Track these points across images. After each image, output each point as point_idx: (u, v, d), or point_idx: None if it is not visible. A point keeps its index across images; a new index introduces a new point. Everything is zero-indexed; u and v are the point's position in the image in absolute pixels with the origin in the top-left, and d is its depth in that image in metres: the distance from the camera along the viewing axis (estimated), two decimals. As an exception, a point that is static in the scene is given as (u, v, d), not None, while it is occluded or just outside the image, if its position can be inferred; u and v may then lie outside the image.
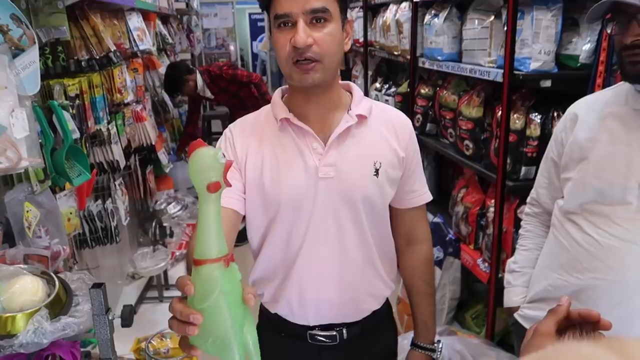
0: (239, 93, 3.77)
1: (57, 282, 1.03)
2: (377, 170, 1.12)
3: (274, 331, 1.25)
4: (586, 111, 1.23)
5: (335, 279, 1.16)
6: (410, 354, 1.35)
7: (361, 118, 1.12)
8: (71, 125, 1.61)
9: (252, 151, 1.13)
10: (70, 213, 1.64)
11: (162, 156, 3.33)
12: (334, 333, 1.20)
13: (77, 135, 1.63)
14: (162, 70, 3.72)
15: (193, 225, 3.53)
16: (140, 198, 3.06)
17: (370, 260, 1.19)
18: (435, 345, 1.34)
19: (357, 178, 1.11)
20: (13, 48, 1.09)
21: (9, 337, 0.91)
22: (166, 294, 2.85)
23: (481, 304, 2.52)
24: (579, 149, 1.21)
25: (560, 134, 1.29)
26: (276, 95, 1.19)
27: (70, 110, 1.71)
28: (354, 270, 1.17)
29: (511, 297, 1.46)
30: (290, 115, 1.10)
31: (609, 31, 1.09)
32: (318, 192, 1.10)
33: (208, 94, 3.81)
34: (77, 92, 1.82)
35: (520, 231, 1.52)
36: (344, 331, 1.21)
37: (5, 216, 1.30)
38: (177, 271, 3.14)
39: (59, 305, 1.01)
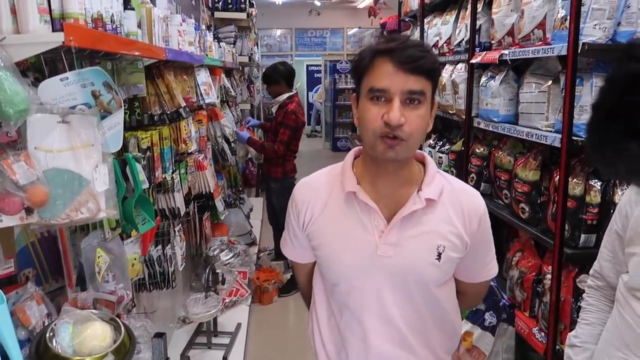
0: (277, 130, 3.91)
1: (122, 329, 1.10)
2: (439, 255, 1.11)
3: None
4: None
5: (390, 355, 1.17)
6: None
7: (429, 202, 1.11)
8: (142, 176, 1.73)
9: (315, 217, 1.17)
10: (135, 259, 1.74)
11: (219, 203, 3.45)
12: None
13: (147, 185, 1.75)
14: (224, 121, 3.94)
15: (244, 273, 3.60)
16: (196, 244, 3.17)
17: (426, 339, 1.19)
18: None
19: (416, 261, 1.11)
20: (102, 110, 1.21)
21: (77, 380, 0.97)
22: (215, 340, 2.88)
23: (537, 374, 2.40)
24: None
25: (625, 207, 1.26)
26: (348, 159, 1.20)
27: (142, 162, 1.84)
28: (410, 348, 1.18)
29: None
30: (357, 189, 1.12)
31: None
32: (375, 269, 1.11)
33: (273, 109, 4.03)
34: (148, 144, 1.96)
35: (582, 304, 1.46)
36: None
37: (79, 260, 1.40)
38: (227, 317, 3.19)
39: (123, 352, 1.07)
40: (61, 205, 1.13)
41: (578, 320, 1.46)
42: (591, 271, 1.45)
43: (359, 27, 11.32)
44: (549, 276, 2.13)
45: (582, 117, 1.88)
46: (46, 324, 1.16)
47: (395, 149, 1.04)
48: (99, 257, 1.41)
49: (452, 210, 1.13)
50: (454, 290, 1.25)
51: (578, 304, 1.98)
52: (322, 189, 1.19)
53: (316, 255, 1.21)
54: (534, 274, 2.28)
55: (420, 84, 1.02)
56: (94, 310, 1.18)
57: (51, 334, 1.05)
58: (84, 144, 1.18)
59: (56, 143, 1.15)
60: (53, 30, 1.15)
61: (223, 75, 4.14)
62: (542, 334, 2.13)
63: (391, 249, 1.10)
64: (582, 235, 1.94)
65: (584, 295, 1.47)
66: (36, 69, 1.26)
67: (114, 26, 1.44)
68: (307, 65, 13.27)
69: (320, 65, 11.99)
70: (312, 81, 13.24)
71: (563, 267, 2.00)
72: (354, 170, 1.17)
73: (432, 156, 3.48)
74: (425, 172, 1.15)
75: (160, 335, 1.04)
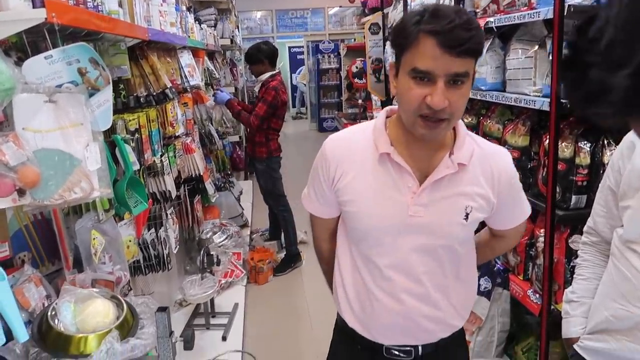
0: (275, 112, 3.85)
1: (125, 306, 1.09)
2: (467, 215, 1.14)
3: (350, 343, 1.31)
4: None
5: (414, 309, 1.21)
6: None
7: (461, 166, 1.13)
8: (132, 157, 1.71)
9: (346, 173, 1.17)
10: (130, 241, 1.73)
11: (209, 186, 3.44)
12: (410, 349, 1.25)
13: (137, 167, 1.73)
14: (209, 104, 3.90)
15: (239, 254, 3.60)
16: (188, 227, 3.16)
17: (448, 296, 1.23)
18: None
19: (445, 221, 1.14)
20: (90, 88, 1.19)
21: (83, 356, 0.96)
22: (213, 321, 2.89)
23: (532, 336, 2.45)
24: (638, 176, 1.20)
25: (617, 162, 1.28)
26: (381, 119, 1.19)
27: (131, 143, 1.81)
28: (433, 303, 1.21)
29: (570, 328, 1.43)
30: (391, 150, 1.13)
31: None
32: (405, 228, 1.14)
33: (256, 89, 3.99)
34: (136, 126, 1.93)
35: (578, 260, 1.49)
36: (420, 348, 1.26)
37: (74, 243, 1.39)
38: (223, 299, 3.20)
39: (126, 327, 1.07)
40: (54, 185, 1.11)
41: (574, 276, 1.49)
42: (585, 228, 1.48)
43: (340, 6, 11.20)
44: (541, 239, 2.16)
45: (570, 79, 1.89)
46: (46, 305, 1.16)
47: (436, 130, 1.05)
48: (94, 238, 1.40)
49: (481, 173, 1.15)
50: (473, 250, 1.29)
51: (571, 264, 2.02)
52: (355, 147, 1.19)
53: (344, 210, 1.21)
54: (526, 238, 2.31)
55: (466, 65, 1.00)
56: (94, 289, 1.17)
57: (53, 313, 1.04)
58: (73, 123, 1.16)
59: (44, 123, 1.13)
60: (33, 7, 1.12)
61: (206, 58, 4.09)
62: (537, 295, 2.17)
63: (422, 209, 1.12)
64: (573, 197, 1.97)
65: (578, 252, 1.50)
66: (18, 49, 1.22)
67: (95, 3, 1.41)
68: (289, 47, 13.15)
69: (302, 47, 11.88)
70: (295, 63, 13.13)
71: (555, 229, 2.03)
72: (387, 132, 1.17)
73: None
74: (456, 136, 1.16)
75: (163, 309, 1.04)
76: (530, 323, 2.53)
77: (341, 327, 1.32)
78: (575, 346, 1.39)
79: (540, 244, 2.17)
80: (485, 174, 1.16)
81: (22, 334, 0.84)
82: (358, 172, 1.16)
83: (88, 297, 1.06)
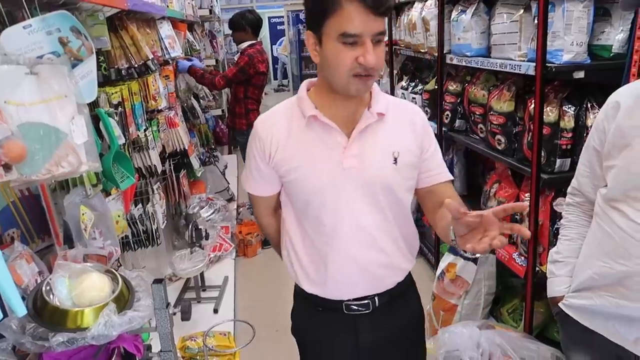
0: (245, 79, 3.78)
1: (120, 279, 1.09)
2: (395, 159, 1.24)
3: (311, 307, 1.38)
4: (629, 99, 1.24)
5: (365, 258, 1.29)
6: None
7: (380, 116, 1.24)
8: (117, 131, 1.68)
9: (281, 146, 1.25)
10: (118, 216, 1.71)
11: (194, 160, 3.41)
12: (367, 301, 1.32)
13: (122, 140, 1.70)
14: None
15: (227, 228, 3.60)
16: (175, 202, 3.14)
17: (393, 239, 1.31)
18: None
19: (378, 167, 1.23)
20: (72, 58, 1.15)
21: (81, 330, 0.96)
22: (203, 294, 2.91)
23: (517, 298, 2.52)
24: (622, 136, 1.22)
25: (602, 122, 1.30)
26: (302, 90, 1.30)
27: (115, 117, 1.78)
28: (381, 249, 1.29)
29: (554, 287, 1.47)
30: (317, 112, 1.22)
31: None
32: (343, 180, 1.22)
33: (236, 57, 3.92)
34: (119, 99, 1.89)
35: (562, 221, 1.52)
36: (376, 299, 1.33)
37: (63, 219, 1.37)
38: (213, 272, 3.21)
39: (122, 301, 1.06)
40: (40, 160, 1.09)
41: (559, 237, 1.52)
42: (569, 189, 1.51)
43: (320, -26, 10.96)
44: (526, 203, 2.20)
45: (555, 43, 1.90)
46: (39, 281, 1.15)
47: (367, 85, 1.16)
48: (83, 214, 1.38)
49: (399, 120, 1.28)
50: (412, 194, 1.36)
51: (555, 226, 2.07)
52: (283, 119, 1.27)
53: (285, 181, 1.28)
54: (512, 202, 2.35)
55: (384, 24, 1.13)
56: (88, 263, 1.16)
57: (47, 288, 1.03)
58: (57, 96, 1.13)
59: (27, 96, 1.09)
60: (9, -26, 1.07)
61: (186, 29, 4.00)
62: (522, 258, 2.22)
63: (355, 160, 1.21)
64: (558, 160, 2.00)
65: (563, 213, 1.53)
66: (-6, 19, 1.18)
67: (71, -30, 1.36)
68: (269, 17, 12.87)
69: (282, 17, 11.66)
70: (275, 34, 12.89)
71: (540, 193, 2.06)
72: (309, 99, 1.26)
73: (405, 98, 3.48)
74: (372, 93, 1.27)
75: (159, 280, 1.04)
76: (515, 285, 2.59)
77: (301, 295, 1.38)
78: (560, 304, 1.43)
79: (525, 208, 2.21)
80: (403, 120, 1.28)
81: (20, 308, 0.83)
82: (290, 141, 1.24)
83: (83, 272, 1.05)
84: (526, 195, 2.21)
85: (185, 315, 1.04)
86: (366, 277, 1.30)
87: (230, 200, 4.46)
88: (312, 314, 1.38)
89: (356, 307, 1.32)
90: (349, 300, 1.32)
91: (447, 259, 2.59)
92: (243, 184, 1.42)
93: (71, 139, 1.14)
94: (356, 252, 1.27)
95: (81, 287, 1.01)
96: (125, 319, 1.00)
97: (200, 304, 2.86)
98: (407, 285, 1.41)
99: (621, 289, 1.24)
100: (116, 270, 1.50)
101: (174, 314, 1.11)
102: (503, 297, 2.60)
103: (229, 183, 4.64)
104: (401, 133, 1.26)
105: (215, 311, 2.79)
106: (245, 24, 3.81)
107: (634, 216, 1.20)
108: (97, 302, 1.01)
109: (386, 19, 1.15)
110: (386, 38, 3.78)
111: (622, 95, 1.27)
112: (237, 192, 4.87)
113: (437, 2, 2.74)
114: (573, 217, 1.48)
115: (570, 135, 1.98)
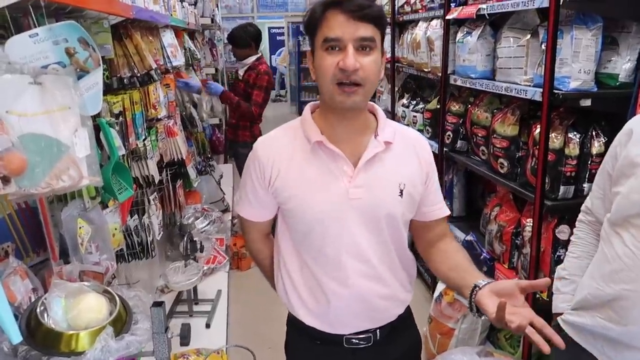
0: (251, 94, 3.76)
1: (118, 301, 1.05)
2: (401, 191, 1.20)
3: (308, 339, 1.32)
4: None
5: (368, 291, 1.24)
6: (482, 294, 1.10)
7: (387, 144, 1.20)
8: (117, 141, 1.64)
9: (282, 171, 1.20)
10: (115, 229, 1.66)
11: (191, 170, 3.36)
12: (369, 335, 1.29)
13: (123, 152, 1.67)
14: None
15: (221, 240, 3.55)
16: (170, 212, 3.09)
17: (393, 271, 1.28)
18: None
19: (384, 199, 1.19)
20: (78, 70, 1.12)
21: (76, 354, 0.92)
22: (196, 308, 2.85)
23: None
24: (630, 164, 1.22)
25: (615, 148, 1.30)
26: (307, 113, 1.25)
27: (115, 127, 1.74)
28: (383, 281, 1.25)
29: (558, 304, 1.47)
30: (323, 138, 1.17)
31: None
32: (347, 211, 1.17)
33: (241, 72, 3.83)
34: (120, 109, 1.86)
35: (572, 238, 1.53)
36: (377, 332, 1.29)
37: (59, 232, 1.32)
38: (206, 285, 3.15)
39: (120, 323, 1.02)
40: (40, 173, 1.05)
41: (567, 252, 1.52)
42: (583, 207, 1.51)
43: (321, -13, 11.02)
44: (528, 228, 2.18)
45: (563, 70, 1.89)
46: (33, 299, 1.10)
47: (352, 97, 1.10)
48: (80, 227, 1.34)
49: (406, 150, 1.24)
50: (406, 234, 1.33)
51: (557, 254, 2.05)
52: (285, 143, 1.22)
53: (286, 209, 1.23)
54: (512, 227, 2.33)
55: (370, 30, 1.09)
56: (85, 282, 1.12)
57: (42, 308, 0.99)
58: (60, 107, 1.09)
59: (29, 106, 1.05)
60: (17, -19, 1.04)
61: (187, 37, 3.97)
62: (522, 284, 2.20)
63: (360, 191, 1.17)
64: (561, 187, 1.99)
65: (574, 229, 1.53)
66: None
67: (79, -22, 1.32)
68: (269, 28, 12.90)
69: (282, 27, 11.69)
70: (275, 44, 12.91)
71: (543, 219, 2.04)
72: (314, 122, 1.22)
73: (406, 116, 3.47)
74: (378, 120, 1.23)
75: (159, 304, 1.00)
76: (513, 310, 2.56)
77: (296, 326, 1.32)
78: (558, 319, 1.43)
79: (527, 233, 2.19)
80: (409, 149, 1.24)
81: (16, 335, 0.79)
82: (293, 166, 1.19)
83: (80, 292, 1.00)
84: (528, 220, 2.19)
85: (185, 340, 1.00)
86: (369, 310, 1.26)
87: (225, 211, 4.41)
88: (309, 347, 1.33)
89: (357, 341, 1.28)
90: (350, 334, 1.27)
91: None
92: (236, 206, 1.37)
93: (73, 152, 1.10)
94: (359, 284, 1.22)
95: (78, 309, 0.97)
96: (122, 343, 0.95)
97: (192, 318, 2.81)
98: (407, 315, 1.37)
99: (610, 311, 1.25)
100: (109, 284, 1.46)
101: (172, 337, 1.06)
102: (500, 322, 2.57)
103: (224, 193, 4.59)
104: (407, 163, 1.23)
105: (208, 326, 2.73)
106: (249, 39, 3.77)
107: (629, 242, 1.21)
108: (94, 325, 0.97)
109: (377, 30, 1.10)
110: (388, 55, 3.78)
111: (636, 123, 1.27)
112: (232, 203, 4.82)
113: (442, 23, 2.74)
114: (582, 234, 1.49)
115: (574, 162, 1.97)
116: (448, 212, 1.35)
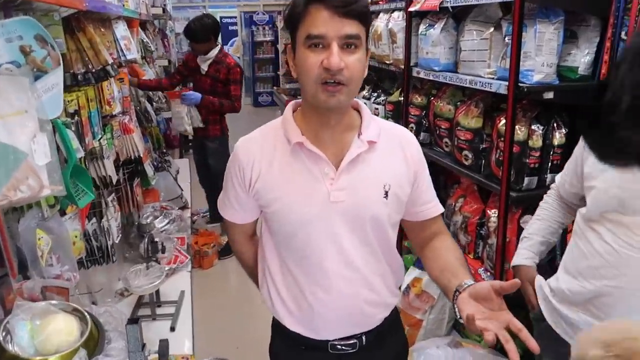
0: (225, 89, 3.76)
1: (89, 319, 0.97)
2: (386, 193, 1.16)
3: (293, 344, 1.29)
4: None
5: (352, 295, 1.20)
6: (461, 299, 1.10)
7: (371, 144, 1.15)
8: (75, 143, 1.54)
9: (263, 174, 1.16)
10: (76, 236, 1.56)
11: (149, 167, 3.23)
12: (354, 341, 1.26)
13: (81, 154, 1.56)
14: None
15: (182, 239, 3.44)
16: (128, 213, 2.96)
17: (381, 275, 1.24)
18: None
19: (367, 201, 1.15)
20: (35, 70, 1.02)
21: (47, 382, 0.85)
22: (159, 311, 2.75)
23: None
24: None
25: (580, 150, 1.32)
26: (288, 112, 1.20)
27: (71, 128, 1.63)
28: (369, 286, 1.22)
29: (515, 258, 1.58)
30: (303, 139, 1.13)
31: None
32: (330, 215, 1.14)
33: (204, 66, 3.73)
34: (76, 107, 1.74)
35: (540, 203, 1.61)
36: (363, 338, 1.26)
37: (16, 245, 1.22)
38: (168, 286, 3.04)
39: (92, 343, 0.95)
40: (-4, 184, 0.96)
41: (533, 217, 1.61)
42: (554, 183, 1.60)
43: (274, -24, 10.86)
44: (493, 219, 2.22)
45: (526, 63, 1.92)
46: (-9, 321, 1.01)
47: (337, 96, 1.05)
48: (39, 238, 1.24)
49: (391, 149, 1.19)
50: (396, 232, 1.29)
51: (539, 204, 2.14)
52: (266, 145, 1.18)
53: (267, 212, 1.20)
54: (477, 217, 2.37)
55: (356, 27, 1.03)
56: (52, 302, 1.03)
57: (5, 333, 0.90)
58: (16, 111, 1.00)
59: (-20, 110, 0.96)
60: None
61: (140, 29, 3.81)
62: (488, 273, 2.24)
63: (343, 194, 1.13)
64: (526, 178, 2.03)
65: (544, 196, 1.62)
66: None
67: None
68: (221, 17, 12.59)
69: (235, 17, 11.45)
70: (227, 34, 12.59)
71: (508, 210, 2.08)
72: (295, 123, 1.17)
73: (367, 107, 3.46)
74: (362, 118, 1.18)
75: (135, 320, 0.94)
76: (478, 298, 2.62)
77: (282, 331, 1.29)
78: (542, 306, 1.46)
79: (492, 224, 2.23)
80: (395, 147, 1.19)
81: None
82: (274, 169, 1.16)
83: (46, 313, 0.93)
84: (492, 211, 2.24)
85: (164, 358, 0.94)
86: (354, 316, 1.23)
87: (183, 208, 4.28)
88: (294, 352, 1.30)
89: (342, 347, 1.26)
90: (335, 339, 1.25)
91: (412, 273, 2.58)
92: (220, 209, 1.33)
93: (32, 160, 1.01)
94: (344, 290, 1.19)
95: (46, 332, 0.89)
96: (97, 366, 0.89)
97: (155, 322, 2.70)
98: (394, 318, 1.35)
99: (592, 308, 1.28)
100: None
101: (149, 355, 1.00)
102: (466, 311, 2.62)
103: (182, 190, 4.45)
104: (393, 163, 1.18)
105: (172, 329, 2.63)
106: (209, 33, 3.67)
107: (607, 237, 1.24)
108: (65, 348, 0.89)
109: (362, 26, 1.05)
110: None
111: None
112: (190, 199, 4.69)
113: (404, 15, 2.73)
114: (551, 200, 1.57)
115: (537, 154, 2.01)
116: (441, 210, 1.31)
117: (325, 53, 1.03)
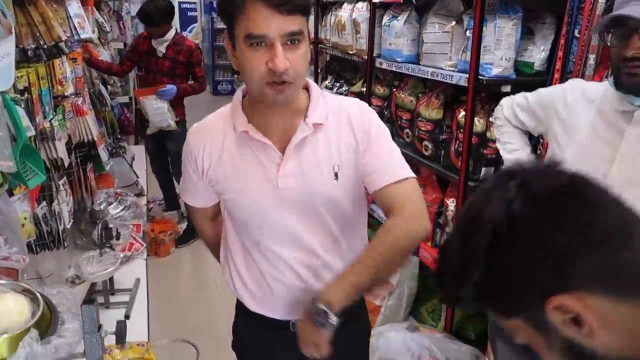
0: (186, 71, 3.73)
1: (41, 300, 0.93)
2: (336, 174, 1.13)
3: (256, 324, 1.29)
4: (581, 94, 1.32)
5: (311, 279, 1.20)
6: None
7: (317, 126, 1.12)
8: (25, 121, 1.46)
9: (214, 162, 1.16)
10: (25, 218, 1.49)
11: (103, 152, 3.12)
12: None
13: (32, 132, 1.49)
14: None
15: (138, 226, 3.35)
16: (81, 198, 2.86)
17: (342, 259, 1.22)
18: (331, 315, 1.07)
19: (316, 185, 1.13)
20: (-17, 37, 0.96)
21: (-5, 364, 0.80)
22: (112, 299, 2.67)
23: (436, 298, 2.61)
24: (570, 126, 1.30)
25: (561, 96, 1.38)
26: (237, 99, 1.18)
27: (21, 105, 1.55)
28: (331, 270, 1.21)
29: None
30: (249, 127, 1.11)
31: (608, 43, 1.16)
32: (281, 202, 1.13)
33: (161, 49, 3.66)
34: (25, 84, 1.66)
35: (498, 135, 1.66)
36: None
37: (-40, 225, 1.16)
38: (122, 274, 2.96)
39: (44, 325, 0.91)
40: (-61, 157, 0.90)
41: (504, 147, 1.65)
42: (498, 117, 1.66)
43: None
44: (451, 208, 2.28)
45: (486, 56, 1.97)
46: None
47: (284, 93, 1.03)
48: (-14, 218, 1.17)
49: (339, 127, 1.14)
50: (365, 206, 1.27)
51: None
52: (216, 133, 1.17)
53: (224, 199, 1.21)
54: (435, 206, 2.42)
55: (298, 23, 1.00)
56: (1, 281, 0.98)
57: (-51, 315, 0.85)
58: (-38, 80, 0.94)
59: None
60: None
61: (94, 9, 3.66)
62: (445, 261, 2.30)
63: (291, 180, 1.11)
64: (483, 169, 2.09)
65: (497, 122, 1.67)
66: None
67: None
68: (180, 3, 12.28)
69: (195, 3, 11.19)
70: (186, 20, 12.32)
71: (466, 199, 2.14)
72: (243, 110, 1.15)
73: (330, 98, 3.46)
74: (310, 99, 1.15)
75: (91, 301, 0.90)
76: (434, 286, 2.68)
77: (245, 311, 1.29)
78: None
79: (450, 213, 2.29)
80: (343, 124, 1.14)
81: None
82: (224, 156, 1.15)
83: (-5, 293, 0.88)
84: (451, 200, 2.29)
85: (121, 339, 0.91)
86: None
87: (139, 195, 4.17)
88: (256, 331, 1.30)
89: None
90: (296, 319, 1.22)
91: (371, 261, 2.61)
92: (181, 194, 1.32)
93: (-21, 133, 0.96)
94: (303, 275, 1.19)
95: (-5, 313, 0.85)
96: (50, 347, 0.85)
97: (109, 310, 2.62)
98: (356, 303, 1.30)
99: None
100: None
101: (106, 336, 0.97)
102: (423, 297, 2.68)
103: (137, 177, 4.33)
104: (341, 142, 1.13)
105: (127, 317, 2.57)
106: (166, 16, 3.58)
107: None
108: (15, 329, 0.85)
109: (304, 18, 1.01)
110: (312, 35, 3.74)
111: (582, 88, 1.35)
112: (147, 186, 4.57)
113: (368, 6, 2.75)
114: (510, 129, 1.60)
115: (495, 145, 2.07)
116: (401, 176, 1.14)
117: (268, 53, 0.99)
